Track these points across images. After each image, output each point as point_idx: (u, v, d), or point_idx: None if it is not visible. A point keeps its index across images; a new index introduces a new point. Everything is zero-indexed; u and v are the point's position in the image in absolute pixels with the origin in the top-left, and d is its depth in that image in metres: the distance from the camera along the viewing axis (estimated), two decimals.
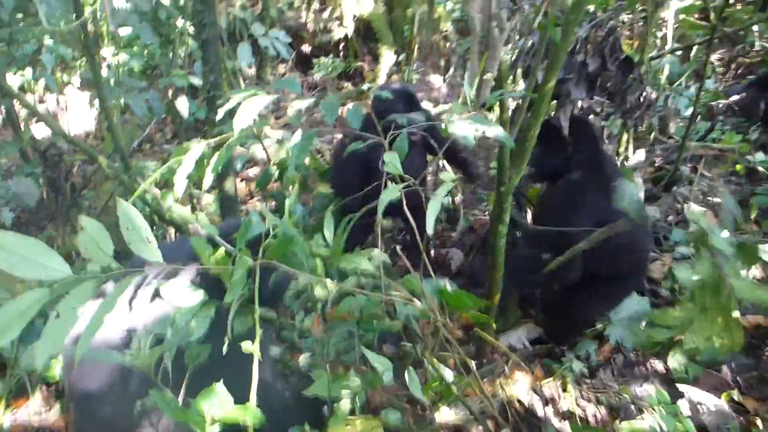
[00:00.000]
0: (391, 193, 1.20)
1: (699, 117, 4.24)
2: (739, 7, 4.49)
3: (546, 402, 2.25)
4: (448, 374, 1.70)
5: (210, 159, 1.34)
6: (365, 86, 5.54)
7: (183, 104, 3.43)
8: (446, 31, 6.07)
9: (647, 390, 2.33)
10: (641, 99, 2.55)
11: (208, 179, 1.31)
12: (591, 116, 2.57)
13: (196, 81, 3.43)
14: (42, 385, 2.54)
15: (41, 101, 5.55)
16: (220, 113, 1.39)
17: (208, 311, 1.43)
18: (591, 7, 2.62)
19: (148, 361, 1.47)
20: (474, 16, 1.48)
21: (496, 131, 1.35)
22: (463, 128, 1.33)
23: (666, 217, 3.59)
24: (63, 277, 0.95)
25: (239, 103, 1.35)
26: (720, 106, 4.14)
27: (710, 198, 3.74)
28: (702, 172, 3.92)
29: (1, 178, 4.08)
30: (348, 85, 5.77)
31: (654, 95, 2.47)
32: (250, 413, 1.13)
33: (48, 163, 3.30)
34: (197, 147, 1.28)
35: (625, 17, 5.82)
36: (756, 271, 2.82)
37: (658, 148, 4.16)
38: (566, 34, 1.87)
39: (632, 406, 2.26)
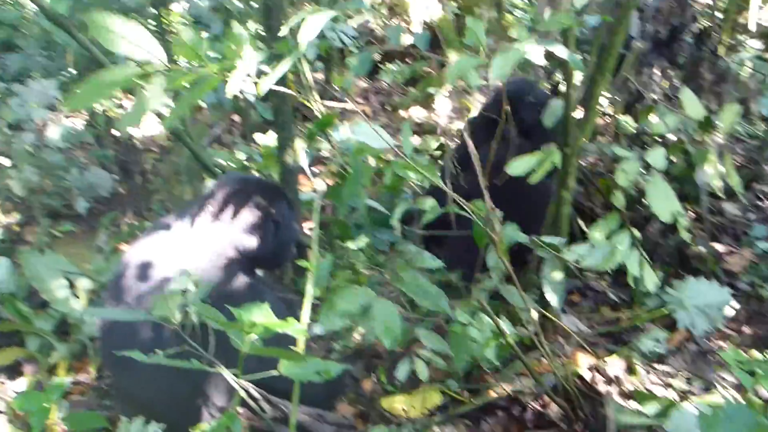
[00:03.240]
0: None
1: None
2: None
3: (609, 381, 2.12)
4: (506, 327, 1.63)
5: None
6: (432, 90, 5.53)
7: (248, 90, 3.48)
8: (516, 39, 6.01)
9: (723, 377, 2.18)
10: (718, 75, 2.42)
11: (270, 81, 1.30)
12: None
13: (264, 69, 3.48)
14: None
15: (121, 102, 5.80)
16: (284, 30, 1.39)
17: None
18: None
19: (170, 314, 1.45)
20: None
21: (562, 51, 1.30)
22: (532, 50, 1.28)
23: (746, 214, 3.41)
24: (156, 60, 1.08)
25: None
26: None
27: None
28: None
29: (78, 171, 4.24)
30: (412, 89, 5.77)
31: (733, 69, 2.33)
32: (292, 324, 1.10)
33: (121, 147, 3.41)
34: (255, 53, 1.27)
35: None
36: None
37: (737, 147, 3.96)
38: None
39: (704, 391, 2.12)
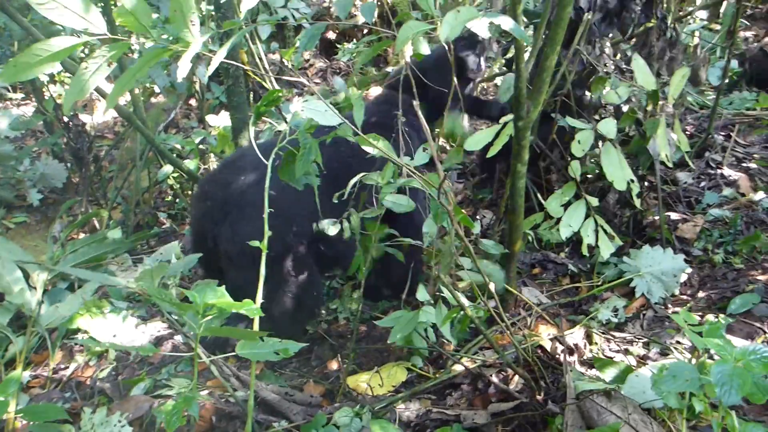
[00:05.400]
0: None
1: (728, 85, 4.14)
2: None
3: (570, 351, 2.16)
4: (465, 301, 1.64)
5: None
6: (389, 69, 5.50)
7: (201, 72, 3.42)
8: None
9: (679, 341, 2.24)
10: (667, 42, 2.45)
11: (219, 57, 1.29)
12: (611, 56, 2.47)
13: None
14: (60, 343, 2.55)
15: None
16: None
17: None
18: None
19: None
20: None
21: (508, 22, 1.30)
22: (477, 25, 1.27)
23: (699, 182, 3.49)
24: (98, 33, 1.03)
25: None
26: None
27: (744, 164, 3.61)
28: (736, 139, 3.80)
29: (29, 161, 4.13)
30: (372, 70, 5.74)
31: (682, 37, 2.36)
32: (247, 305, 1.09)
33: (71, 134, 3.32)
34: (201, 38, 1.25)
35: None
36: None
37: (689, 117, 4.04)
38: None
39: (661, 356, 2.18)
